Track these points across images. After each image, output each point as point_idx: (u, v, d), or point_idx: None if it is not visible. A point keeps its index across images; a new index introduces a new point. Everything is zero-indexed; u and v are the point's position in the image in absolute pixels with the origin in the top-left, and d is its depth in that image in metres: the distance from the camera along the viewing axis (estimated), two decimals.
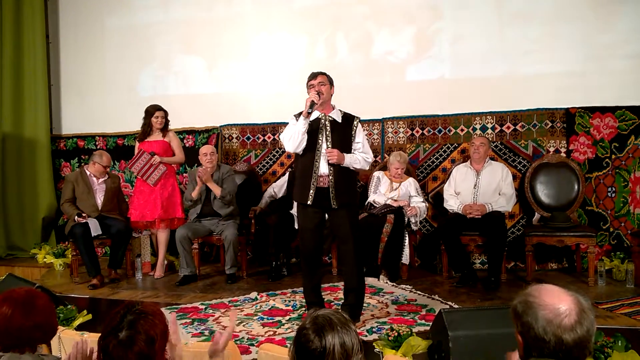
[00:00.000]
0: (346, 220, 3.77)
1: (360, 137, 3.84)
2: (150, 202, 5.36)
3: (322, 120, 3.77)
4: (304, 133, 3.71)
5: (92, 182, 5.37)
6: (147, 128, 5.46)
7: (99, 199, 5.35)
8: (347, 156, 3.75)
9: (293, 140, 3.73)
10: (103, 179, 5.40)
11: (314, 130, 3.76)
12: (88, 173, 5.38)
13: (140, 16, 6.55)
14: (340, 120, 3.80)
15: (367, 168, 4.00)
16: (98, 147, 6.65)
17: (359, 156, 3.80)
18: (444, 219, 5.19)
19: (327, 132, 3.75)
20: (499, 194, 4.93)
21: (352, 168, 3.79)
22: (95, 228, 5.15)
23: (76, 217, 5.16)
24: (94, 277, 5.07)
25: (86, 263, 5.13)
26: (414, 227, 5.15)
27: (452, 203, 5.00)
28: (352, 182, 3.89)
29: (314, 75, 3.82)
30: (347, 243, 3.80)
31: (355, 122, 3.84)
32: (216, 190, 5.22)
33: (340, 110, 3.85)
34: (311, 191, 3.73)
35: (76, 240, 5.13)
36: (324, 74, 3.83)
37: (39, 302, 2.04)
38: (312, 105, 3.68)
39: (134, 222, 5.45)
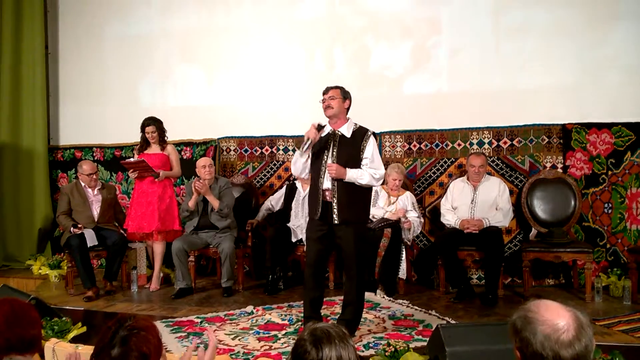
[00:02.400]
0: (350, 236, 3.72)
1: (369, 152, 3.76)
2: (148, 214, 5.35)
3: (331, 136, 3.79)
4: (304, 163, 3.83)
5: (87, 194, 5.36)
6: (143, 141, 5.51)
7: (95, 210, 5.34)
8: (351, 171, 3.69)
9: (295, 167, 3.91)
10: (98, 189, 5.40)
11: (322, 146, 3.79)
12: (83, 185, 5.38)
13: (140, 27, 6.57)
14: (349, 135, 3.78)
15: (377, 184, 3.90)
16: (95, 158, 6.64)
17: (367, 172, 3.73)
18: (440, 234, 5.19)
19: (334, 148, 3.76)
20: (496, 209, 4.94)
21: (357, 184, 3.73)
22: (91, 238, 5.13)
23: (72, 228, 5.15)
24: (89, 289, 5.05)
25: (82, 275, 5.10)
26: (407, 242, 5.14)
27: (449, 218, 5.00)
28: (359, 198, 3.78)
29: (326, 90, 3.84)
30: (350, 259, 3.78)
31: (366, 136, 3.78)
32: (215, 203, 5.21)
33: (356, 124, 3.84)
34: (319, 206, 3.75)
35: (72, 252, 5.11)
36: (337, 87, 3.84)
37: (23, 314, 2.02)
38: (308, 142, 3.73)
39: (131, 233, 5.44)
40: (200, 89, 6.41)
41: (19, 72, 6.67)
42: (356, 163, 3.75)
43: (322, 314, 4.01)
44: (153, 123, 5.45)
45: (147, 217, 5.36)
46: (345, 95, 3.83)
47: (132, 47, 6.60)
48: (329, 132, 3.82)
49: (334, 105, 3.76)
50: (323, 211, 3.75)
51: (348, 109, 3.85)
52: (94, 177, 5.40)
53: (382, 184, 5.35)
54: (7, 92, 6.62)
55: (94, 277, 5.15)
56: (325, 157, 3.76)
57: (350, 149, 3.76)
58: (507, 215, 4.94)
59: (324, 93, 3.83)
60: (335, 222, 3.71)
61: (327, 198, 3.74)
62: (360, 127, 3.83)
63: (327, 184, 3.74)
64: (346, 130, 3.80)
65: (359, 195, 3.78)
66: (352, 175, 3.70)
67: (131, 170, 5.38)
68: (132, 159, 5.49)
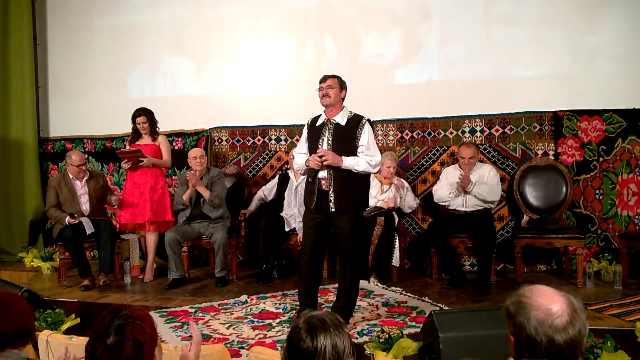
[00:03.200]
0: (347, 224, 3.73)
1: (364, 139, 3.75)
2: (140, 204, 5.33)
3: (326, 124, 3.79)
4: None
5: (75, 187, 5.25)
6: (134, 132, 5.47)
7: (84, 205, 5.25)
8: (347, 159, 3.70)
9: (299, 172, 4.06)
10: (86, 179, 5.29)
11: (317, 135, 3.79)
12: (71, 177, 5.28)
13: (129, 17, 6.50)
14: (344, 123, 3.78)
15: (374, 171, 3.86)
16: (86, 149, 6.60)
17: (363, 159, 3.72)
18: (433, 222, 5.22)
19: (330, 136, 3.75)
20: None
21: (354, 171, 3.72)
22: (89, 226, 5.08)
23: (68, 218, 5.07)
24: (86, 278, 5.01)
25: (77, 265, 5.08)
26: (408, 210, 5.19)
27: (437, 189, 5.09)
28: (356, 186, 3.78)
29: (324, 78, 3.82)
30: (346, 246, 3.80)
31: (361, 124, 3.77)
32: (205, 193, 5.19)
33: (351, 112, 3.83)
34: (315, 195, 3.76)
35: (66, 243, 5.07)
36: (335, 77, 3.82)
37: (13, 305, 2.01)
38: (310, 172, 3.78)
39: (123, 224, 5.42)
40: (190, 80, 6.36)
41: (7, 63, 6.60)
42: (352, 151, 3.74)
43: (317, 302, 4.02)
44: (144, 113, 5.41)
45: (139, 208, 5.34)
46: (342, 85, 3.83)
47: (121, 37, 6.54)
48: (323, 121, 3.82)
49: (332, 95, 3.76)
50: (319, 200, 3.75)
51: (344, 98, 3.85)
52: (83, 167, 5.29)
53: (376, 172, 5.37)
54: None
55: (89, 267, 5.12)
56: (321, 146, 3.76)
57: (345, 137, 3.75)
58: (493, 192, 4.91)
59: (322, 81, 3.81)
60: (332, 210, 3.72)
61: (323, 187, 3.74)
62: (355, 114, 3.82)
63: (323, 172, 3.74)
64: (341, 119, 3.79)
65: (356, 183, 3.78)
66: (349, 162, 3.70)
67: (125, 161, 5.34)
68: (127, 148, 5.44)
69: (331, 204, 3.71)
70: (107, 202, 5.43)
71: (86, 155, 5.75)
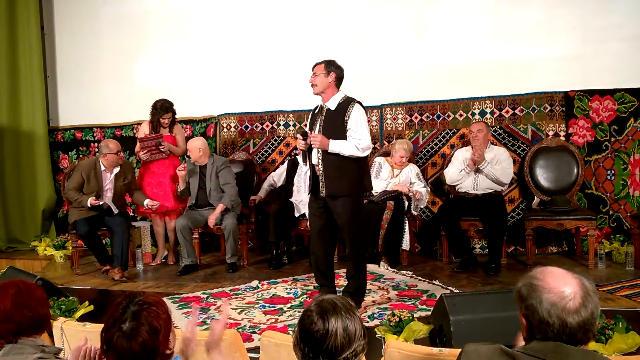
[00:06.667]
0: (340, 209, 3.75)
1: (352, 122, 3.70)
2: (161, 193, 5.42)
3: (320, 110, 3.83)
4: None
5: (104, 179, 5.13)
6: (153, 125, 5.44)
7: (108, 200, 5.12)
8: (334, 142, 3.67)
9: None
10: (115, 174, 5.15)
11: (314, 121, 3.86)
12: (102, 168, 5.13)
13: (135, 4, 6.48)
14: (334, 108, 3.77)
15: (361, 154, 3.74)
16: (96, 138, 6.63)
17: (351, 142, 3.69)
18: (443, 204, 5.20)
19: (321, 121, 3.78)
20: None
21: (342, 154, 3.70)
22: (114, 208, 5.06)
23: (91, 199, 4.97)
24: (113, 268, 4.96)
25: (97, 256, 5.14)
26: (414, 212, 5.15)
27: (450, 171, 5.01)
28: (347, 171, 3.72)
29: (313, 67, 3.84)
30: (344, 231, 3.83)
31: (349, 107, 3.73)
32: (220, 209, 5.13)
33: (345, 96, 3.80)
34: (311, 181, 3.83)
35: (81, 238, 5.09)
36: (321, 63, 3.81)
37: (29, 294, 2.03)
38: (301, 155, 3.80)
39: (149, 213, 5.49)
40: (198, 66, 6.34)
41: (16, 54, 6.59)
42: (342, 135, 3.72)
43: (334, 281, 4.07)
44: (172, 110, 5.41)
45: (165, 197, 5.42)
46: (329, 69, 3.76)
47: (128, 25, 6.51)
48: (319, 107, 3.87)
49: (317, 83, 3.77)
50: (315, 185, 3.80)
51: (336, 81, 3.79)
52: (121, 154, 5.17)
53: (387, 156, 5.35)
54: (5, 74, 6.54)
55: (108, 253, 5.13)
56: (313, 131, 3.80)
57: (335, 121, 3.74)
58: (505, 173, 4.86)
59: (312, 69, 3.85)
60: (322, 194, 3.75)
61: (317, 172, 3.78)
62: (347, 98, 3.79)
63: (315, 158, 3.77)
64: (332, 104, 3.79)
65: (347, 168, 3.72)
66: (335, 146, 3.68)
67: (144, 152, 5.33)
68: (149, 135, 5.41)
69: (322, 189, 3.74)
70: (135, 201, 5.37)
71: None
